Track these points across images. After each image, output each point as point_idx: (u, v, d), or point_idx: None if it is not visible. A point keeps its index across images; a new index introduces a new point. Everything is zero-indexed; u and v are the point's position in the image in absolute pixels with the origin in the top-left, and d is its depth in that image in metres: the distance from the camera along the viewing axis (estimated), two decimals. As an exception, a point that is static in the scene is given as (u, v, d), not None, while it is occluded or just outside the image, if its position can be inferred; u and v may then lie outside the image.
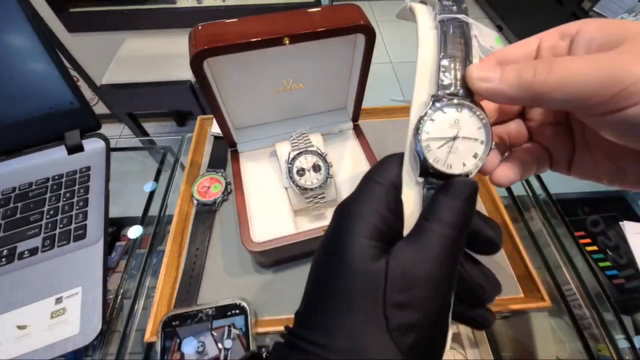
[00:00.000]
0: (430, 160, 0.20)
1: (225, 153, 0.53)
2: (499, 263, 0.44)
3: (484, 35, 0.23)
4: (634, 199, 0.63)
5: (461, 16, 0.22)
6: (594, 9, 1.62)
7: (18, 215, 0.45)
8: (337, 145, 0.47)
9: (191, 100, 1.19)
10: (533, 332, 0.46)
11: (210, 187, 0.48)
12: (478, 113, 0.20)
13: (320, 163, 0.41)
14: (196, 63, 0.32)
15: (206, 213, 0.47)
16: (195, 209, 0.47)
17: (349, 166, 0.45)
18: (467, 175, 0.20)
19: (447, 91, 0.20)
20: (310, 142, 0.43)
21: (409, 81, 2.01)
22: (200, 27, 0.33)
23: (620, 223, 0.56)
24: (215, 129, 0.54)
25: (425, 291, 0.16)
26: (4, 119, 0.47)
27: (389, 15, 2.59)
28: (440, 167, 0.20)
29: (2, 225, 0.44)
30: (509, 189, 0.54)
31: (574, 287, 0.45)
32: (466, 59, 0.21)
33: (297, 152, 0.41)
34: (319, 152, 0.42)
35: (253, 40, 0.32)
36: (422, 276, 0.16)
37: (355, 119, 0.48)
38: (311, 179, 0.41)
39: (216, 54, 0.32)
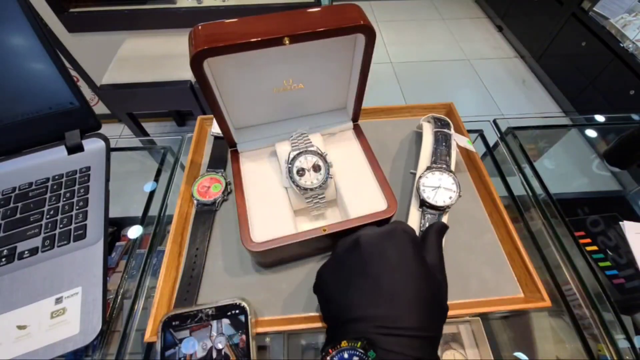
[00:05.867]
0: (424, 197, 0.42)
1: (225, 153, 0.53)
2: (499, 263, 0.44)
3: (459, 139, 0.48)
4: (634, 199, 0.63)
5: (446, 130, 0.48)
6: (594, 9, 1.62)
7: (18, 215, 0.45)
8: (337, 145, 0.47)
9: (191, 100, 1.19)
10: (533, 332, 0.46)
11: (210, 187, 0.48)
12: (452, 176, 0.43)
13: (320, 163, 0.41)
14: (196, 63, 0.32)
15: (206, 213, 0.47)
16: (195, 209, 0.47)
17: (349, 166, 0.45)
18: (447, 207, 0.42)
19: (436, 165, 0.44)
20: (310, 142, 0.43)
21: (408, 81, 2.02)
22: (200, 27, 0.33)
23: (620, 223, 0.56)
24: (215, 129, 0.54)
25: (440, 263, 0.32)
26: (4, 119, 0.47)
27: (389, 15, 2.59)
28: (430, 201, 0.42)
29: (2, 225, 0.44)
30: (509, 189, 0.54)
31: (574, 287, 0.45)
32: (448, 151, 0.46)
33: (297, 152, 0.41)
34: (319, 152, 0.42)
35: (253, 40, 0.32)
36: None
37: (355, 119, 0.48)
38: (311, 179, 0.41)
39: (216, 54, 0.32)
